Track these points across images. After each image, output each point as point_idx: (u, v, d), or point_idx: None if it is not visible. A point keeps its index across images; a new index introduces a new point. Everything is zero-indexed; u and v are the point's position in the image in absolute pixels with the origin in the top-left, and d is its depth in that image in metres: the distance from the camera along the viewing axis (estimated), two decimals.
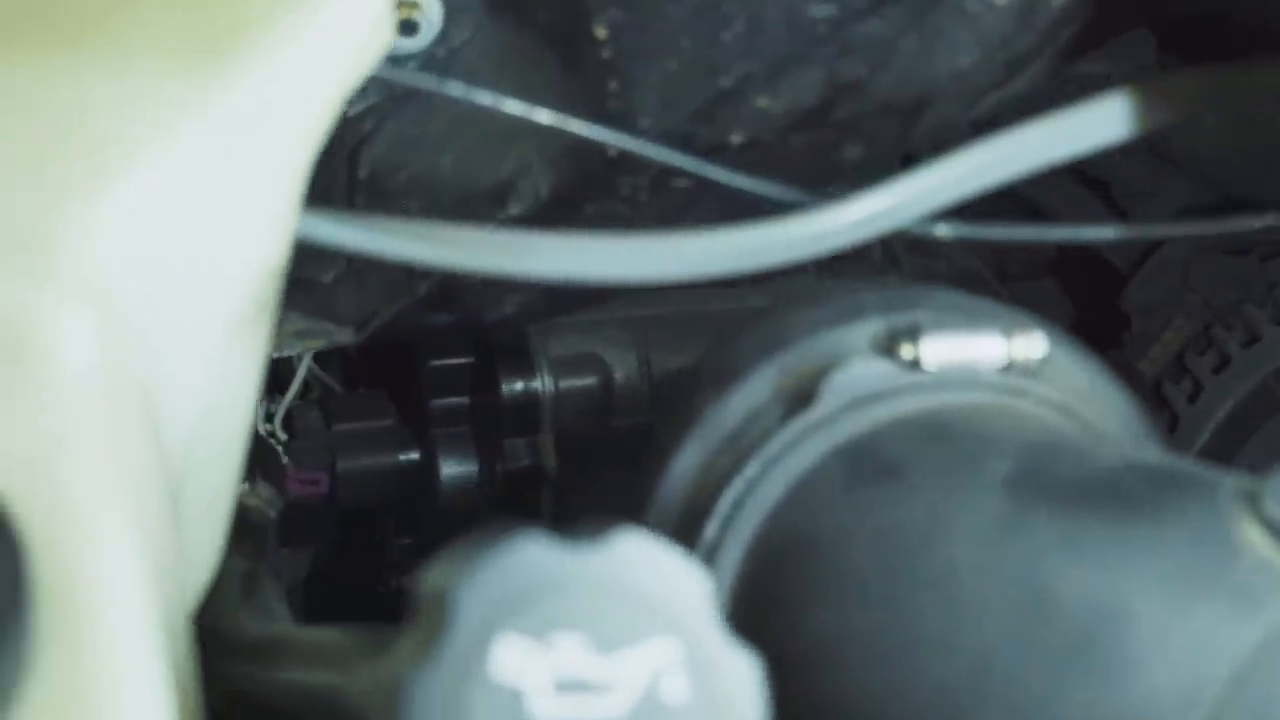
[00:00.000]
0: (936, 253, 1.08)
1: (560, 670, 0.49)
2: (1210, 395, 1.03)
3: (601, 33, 0.73)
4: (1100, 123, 0.75)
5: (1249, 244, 1.08)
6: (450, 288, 0.82)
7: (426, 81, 0.74)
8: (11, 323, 0.52)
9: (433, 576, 0.50)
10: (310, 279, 0.81)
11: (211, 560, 0.67)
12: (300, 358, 0.98)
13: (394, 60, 0.74)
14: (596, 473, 0.98)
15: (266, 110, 0.58)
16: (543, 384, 0.96)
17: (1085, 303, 1.13)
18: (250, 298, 0.60)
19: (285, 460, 0.95)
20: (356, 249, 0.69)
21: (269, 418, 0.97)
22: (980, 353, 0.70)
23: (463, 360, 0.98)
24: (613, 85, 0.75)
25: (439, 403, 0.98)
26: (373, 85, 0.76)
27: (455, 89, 0.73)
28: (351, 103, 0.77)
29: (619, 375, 0.98)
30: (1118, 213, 1.10)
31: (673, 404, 0.75)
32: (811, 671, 0.66)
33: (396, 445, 0.99)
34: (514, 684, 0.49)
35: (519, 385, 0.96)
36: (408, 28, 0.75)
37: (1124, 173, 1.10)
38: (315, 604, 1.02)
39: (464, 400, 0.99)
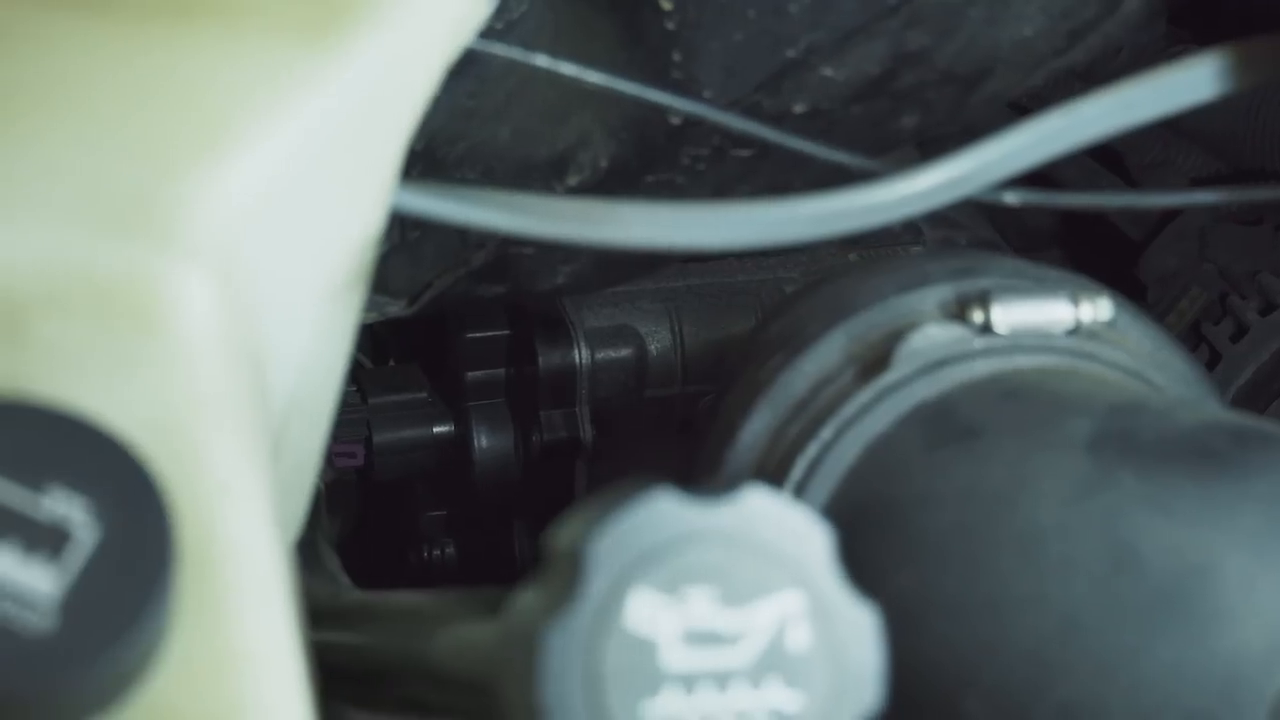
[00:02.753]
0: (956, 224, 1.09)
1: (691, 622, 0.50)
2: (1228, 363, 1.04)
3: (668, 4, 0.74)
4: (1178, 86, 0.77)
5: (1262, 215, 1.09)
6: (505, 259, 0.82)
7: (486, 46, 0.74)
8: (137, 286, 0.52)
9: (565, 532, 0.51)
10: None
11: (299, 522, 0.67)
12: None
13: None
14: (631, 443, 0.99)
15: (376, 83, 0.59)
16: (579, 356, 0.97)
17: (1097, 272, 1.15)
18: (350, 266, 0.61)
19: None
20: (443, 218, 0.70)
21: None
22: (1049, 317, 0.71)
23: (498, 333, 0.99)
24: (676, 56, 0.75)
25: (475, 375, 0.99)
26: None
27: (515, 52, 0.74)
28: None
29: (653, 347, 0.99)
30: (1131, 184, 1.11)
31: (736, 372, 0.76)
32: (895, 634, 0.67)
33: (431, 418, 1.00)
34: (647, 635, 0.50)
35: (557, 357, 0.97)
36: None
37: (1138, 145, 1.11)
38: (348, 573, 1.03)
39: (499, 372, 0.99)
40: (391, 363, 1.05)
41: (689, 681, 0.50)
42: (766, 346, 0.75)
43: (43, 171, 0.54)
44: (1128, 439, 0.65)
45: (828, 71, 0.75)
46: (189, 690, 0.49)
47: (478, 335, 0.99)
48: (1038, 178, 1.13)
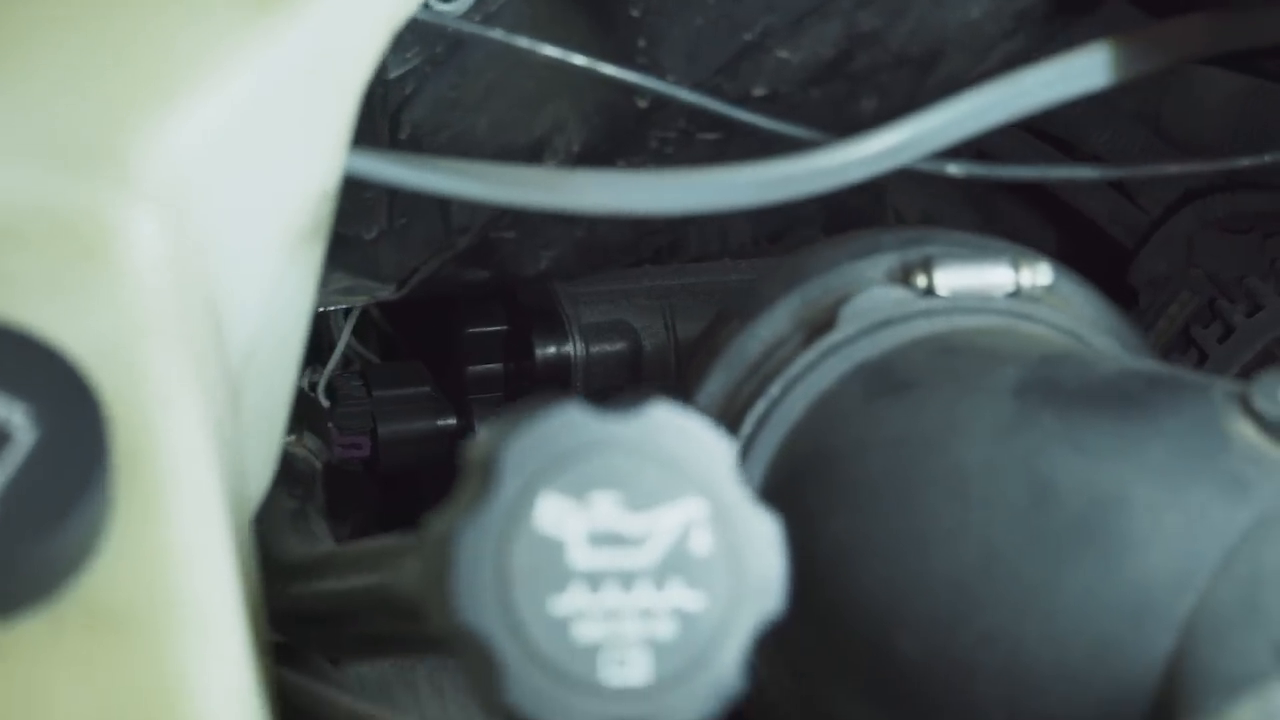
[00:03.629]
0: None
1: (597, 524, 0.53)
2: (1215, 363, 1.07)
3: None
4: (1094, 67, 0.81)
5: (1251, 223, 1.11)
6: (487, 243, 0.86)
7: (472, 28, 0.78)
8: (90, 221, 0.56)
9: (480, 442, 0.54)
10: (354, 236, 0.85)
11: (268, 471, 0.71)
12: (340, 330, 1.03)
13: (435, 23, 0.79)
14: None
15: (322, 43, 0.63)
16: (574, 349, 1.00)
17: (1089, 279, 1.18)
18: (305, 217, 0.65)
19: (329, 422, 1.00)
20: (414, 186, 0.74)
21: (312, 387, 1.02)
22: (990, 281, 0.75)
23: (498, 328, 1.02)
24: (641, 43, 0.79)
25: (475, 369, 1.03)
26: (413, 48, 0.81)
27: (497, 34, 0.77)
28: (392, 67, 0.81)
29: (647, 342, 1.02)
30: (1124, 193, 1.14)
31: (699, 341, 0.80)
32: (833, 573, 0.70)
33: (434, 411, 1.03)
34: (555, 535, 0.53)
35: (552, 350, 1.00)
36: None
37: (1128, 153, 1.13)
38: None
39: (499, 366, 1.03)
40: (398, 361, 1.08)
41: (595, 580, 0.53)
42: (726, 315, 0.78)
43: (4, 116, 0.58)
44: (1051, 385, 0.68)
45: (783, 54, 0.79)
46: (124, 583, 0.52)
47: (478, 330, 1.02)
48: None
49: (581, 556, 0.53)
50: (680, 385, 0.78)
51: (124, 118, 0.58)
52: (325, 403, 1.02)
